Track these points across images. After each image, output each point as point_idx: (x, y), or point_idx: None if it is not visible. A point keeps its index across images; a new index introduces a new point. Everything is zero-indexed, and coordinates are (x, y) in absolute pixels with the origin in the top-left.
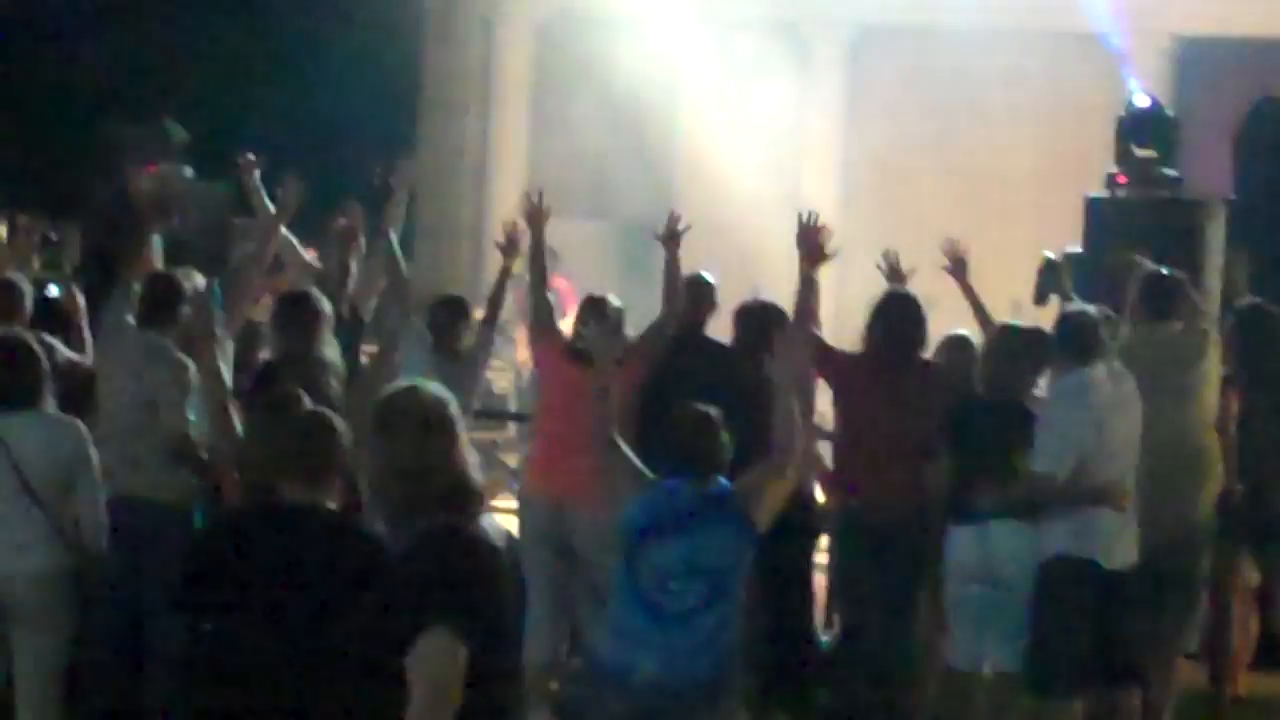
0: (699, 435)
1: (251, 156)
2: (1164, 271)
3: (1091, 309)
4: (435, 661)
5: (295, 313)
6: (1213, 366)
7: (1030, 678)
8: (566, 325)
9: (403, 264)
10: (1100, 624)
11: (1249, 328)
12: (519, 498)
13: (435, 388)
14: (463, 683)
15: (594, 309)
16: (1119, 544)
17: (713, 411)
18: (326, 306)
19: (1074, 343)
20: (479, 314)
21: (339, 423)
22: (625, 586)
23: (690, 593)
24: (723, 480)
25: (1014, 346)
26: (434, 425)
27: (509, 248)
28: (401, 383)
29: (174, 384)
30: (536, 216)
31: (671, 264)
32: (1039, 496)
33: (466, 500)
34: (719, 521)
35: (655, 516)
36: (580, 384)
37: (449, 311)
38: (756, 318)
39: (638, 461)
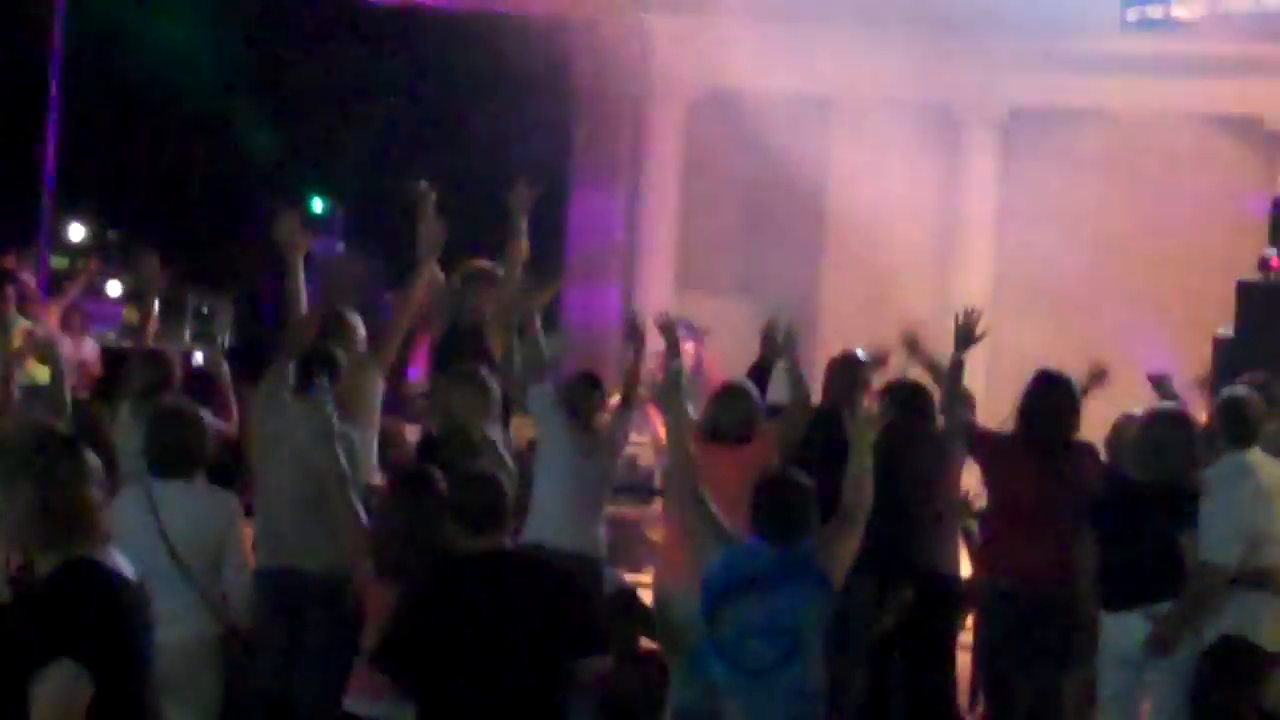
0: (783, 499)
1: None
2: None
3: (1250, 392)
4: (59, 693)
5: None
6: None
7: None
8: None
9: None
10: (1261, 707)
11: None
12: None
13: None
14: (86, 714)
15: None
16: (1269, 627)
17: (800, 476)
18: (494, 386)
19: (1234, 426)
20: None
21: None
22: (707, 641)
23: (770, 650)
24: (805, 541)
25: (1167, 429)
26: (57, 463)
27: (634, 336)
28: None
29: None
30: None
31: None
32: (1209, 586)
33: (90, 535)
34: (798, 582)
35: (736, 576)
36: (719, 464)
37: (584, 388)
38: (843, 374)
39: (722, 521)
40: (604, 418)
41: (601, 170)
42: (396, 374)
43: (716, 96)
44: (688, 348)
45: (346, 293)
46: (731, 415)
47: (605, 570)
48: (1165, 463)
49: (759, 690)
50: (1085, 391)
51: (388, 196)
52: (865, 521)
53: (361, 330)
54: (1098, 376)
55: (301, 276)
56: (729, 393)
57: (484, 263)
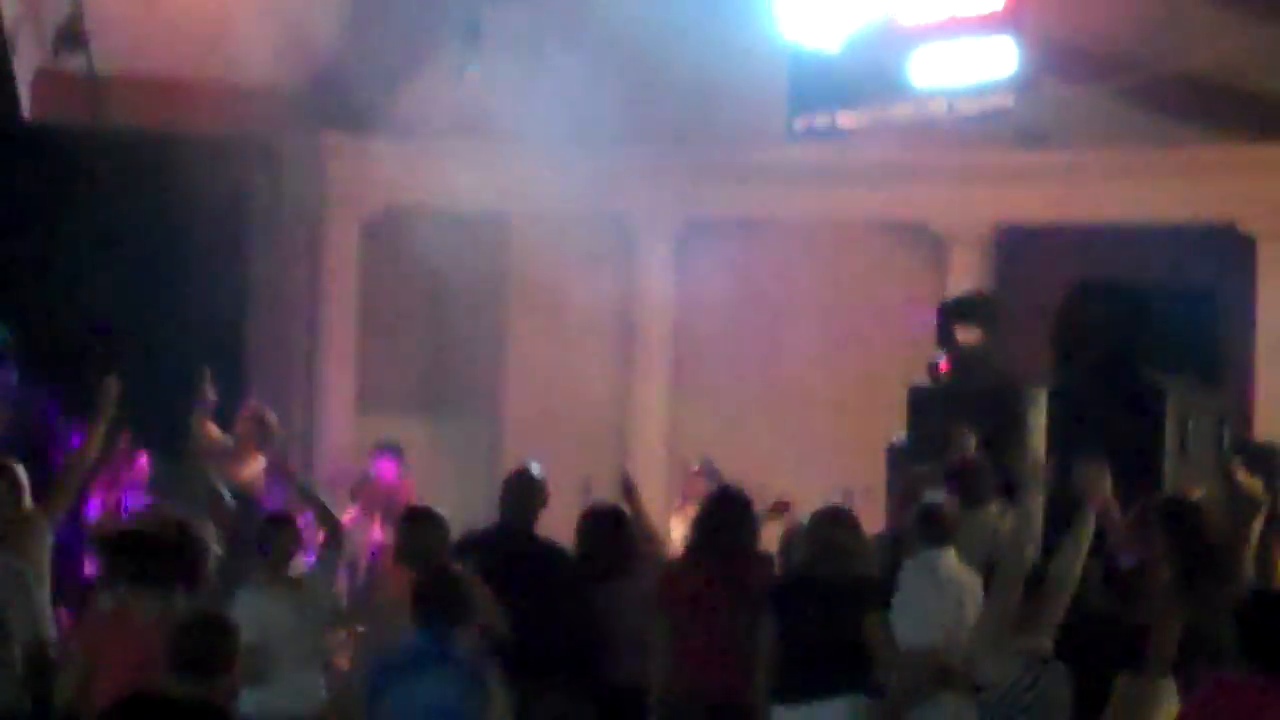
0: (437, 590)
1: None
2: (968, 459)
3: (947, 500)
4: None
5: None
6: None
7: None
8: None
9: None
10: None
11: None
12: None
13: None
14: None
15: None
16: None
17: (456, 570)
18: None
19: (929, 528)
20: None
21: None
22: None
23: None
24: (454, 631)
25: (832, 525)
26: None
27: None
28: None
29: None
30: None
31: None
32: (916, 671)
33: None
34: (447, 669)
35: (390, 665)
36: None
37: (273, 528)
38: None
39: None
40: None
41: (280, 290)
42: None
43: (393, 214)
44: (387, 466)
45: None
46: (419, 541)
47: None
48: (834, 556)
49: None
50: (764, 520)
51: (60, 323)
52: None
53: (24, 481)
54: (779, 507)
55: None
56: (416, 517)
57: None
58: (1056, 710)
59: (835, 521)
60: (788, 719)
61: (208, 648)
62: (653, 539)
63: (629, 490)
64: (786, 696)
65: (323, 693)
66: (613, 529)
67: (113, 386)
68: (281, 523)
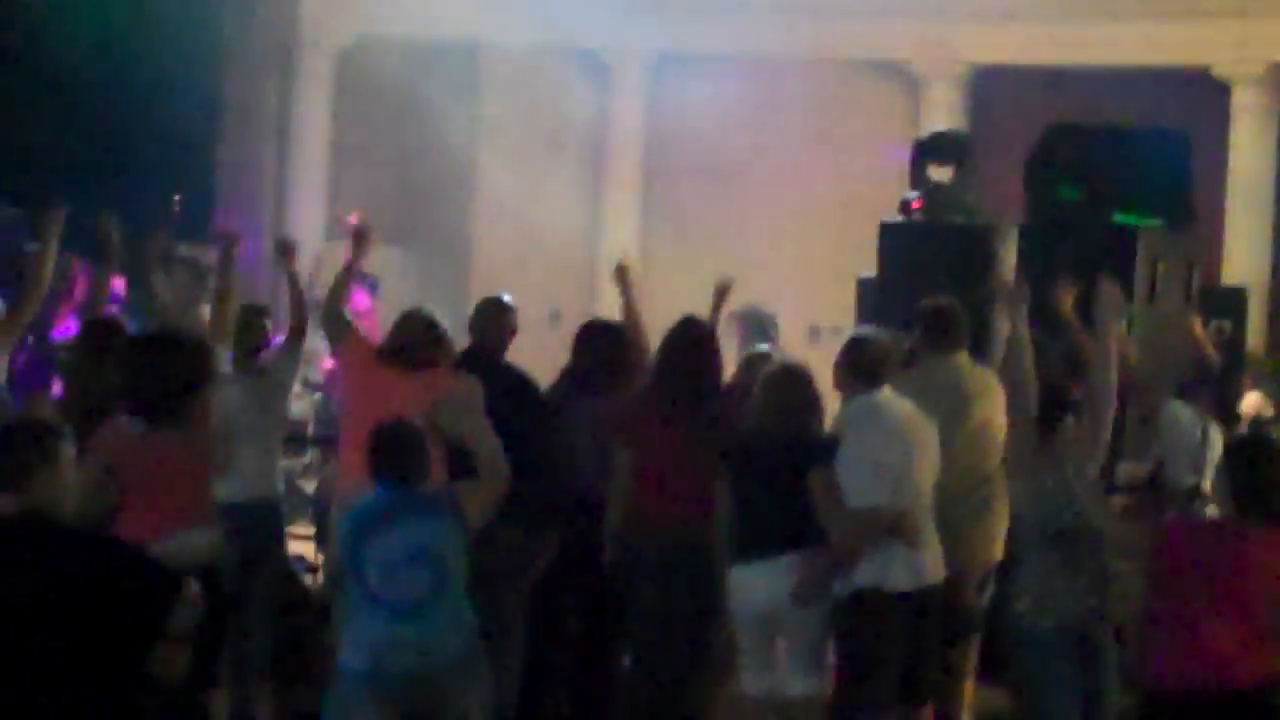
0: (399, 444)
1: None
2: (942, 304)
3: (881, 332)
4: None
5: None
6: (999, 399)
7: (837, 709)
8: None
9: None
10: (901, 650)
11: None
12: (338, 506)
13: None
14: None
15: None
16: (920, 561)
17: (413, 423)
18: None
19: (862, 367)
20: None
21: None
22: (356, 592)
23: (418, 579)
24: (425, 482)
25: (787, 383)
26: None
27: (288, 253)
28: None
29: None
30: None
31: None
32: (862, 528)
33: None
34: (432, 516)
35: (368, 515)
36: (394, 386)
37: (244, 319)
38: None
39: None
40: (268, 353)
41: (251, 119)
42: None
43: (365, 43)
44: (360, 298)
45: None
46: (410, 337)
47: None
48: (787, 417)
49: (417, 623)
50: (716, 308)
51: (29, 156)
52: None
53: None
54: (722, 290)
55: None
56: (409, 316)
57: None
58: (1095, 536)
59: (787, 382)
60: (742, 577)
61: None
62: (643, 346)
63: (623, 277)
64: (741, 555)
65: (277, 484)
66: (610, 344)
67: (56, 216)
68: (251, 313)
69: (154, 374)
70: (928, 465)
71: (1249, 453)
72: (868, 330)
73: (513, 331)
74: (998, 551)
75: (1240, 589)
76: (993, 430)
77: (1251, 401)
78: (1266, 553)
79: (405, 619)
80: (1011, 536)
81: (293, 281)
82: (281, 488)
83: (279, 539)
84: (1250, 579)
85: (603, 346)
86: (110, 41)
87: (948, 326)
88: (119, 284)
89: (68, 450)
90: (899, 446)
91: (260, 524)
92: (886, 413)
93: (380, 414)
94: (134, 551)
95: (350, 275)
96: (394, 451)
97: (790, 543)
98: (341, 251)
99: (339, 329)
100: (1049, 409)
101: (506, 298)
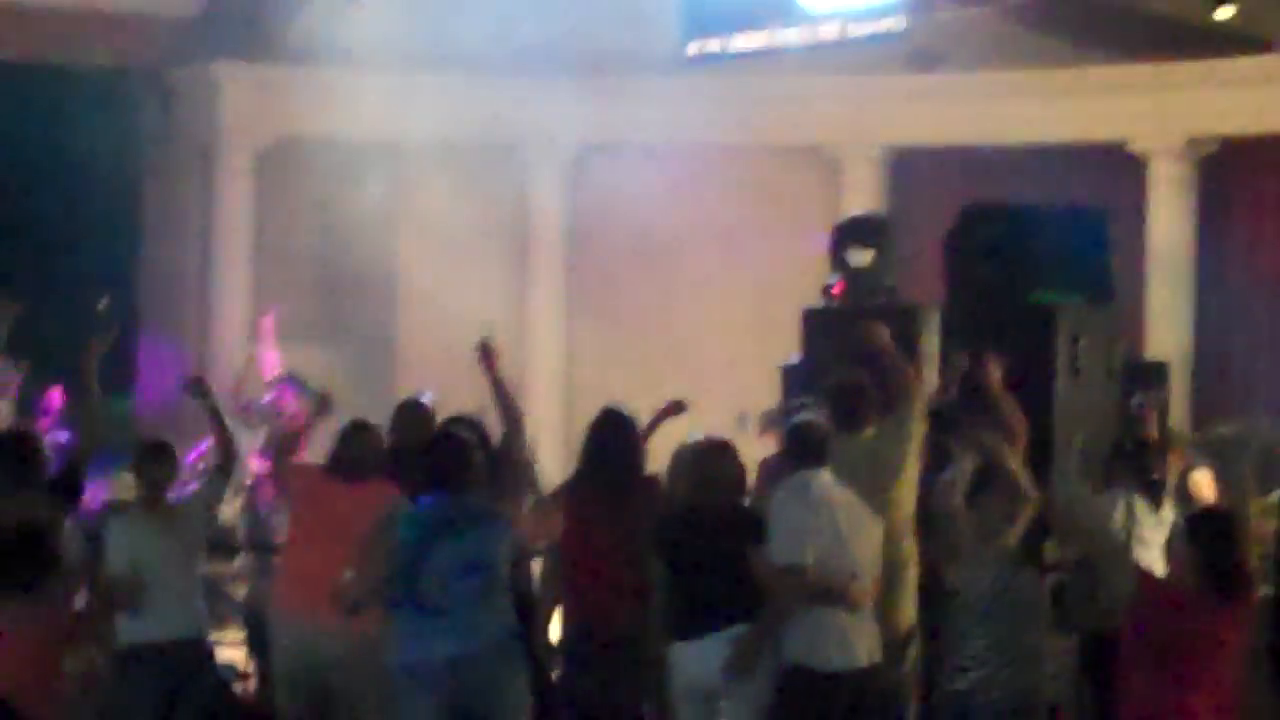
0: (450, 453)
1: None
2: (845, 381)
3: (818, 418)
4: None
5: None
6: (910, 472)
7: None
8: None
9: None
10: None
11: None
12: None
13: None
14: None
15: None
16: (854, 643)
17: (463, 431)
18: None
19: (801, 448)
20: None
21: None
22: (406, 599)
23: (469, 586)
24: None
25: (717, 457)
26: None
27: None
28: None
29: None
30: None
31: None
32: (788, 590)
33: None
34: (484, 524)
35: (425, 526)
36: (344, 498)
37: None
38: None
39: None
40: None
41: (173, 221)
42: None
43: (285, 144)
44: (288, 397)
45: None
46: (361, 451)
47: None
48: (718, 489)
49: (461, 617)
50: (657, 424)
51: None
52: None
53: None
54: (671, 409)
55: None
56: (353, 428)
57: None
58: (1029, 614)
59: (719, 453)
60: (680, 654)
61: None
62: (516, 423)
63: (488, 356)
64: (680, 632)
65: (200, 621)
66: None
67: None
68: (158, 451)
69: None
70: (865, 543)
71: (1211, 530)
72: (809, 414)
73: (432, 431)
74: (911, 617)
75: (1212, 664)
76: (901, 498)
77: (1204, 480)
78: (1233, 632)
79: (450, 615)
80: (946, 615)
81: (214, 416)
82: (203, 624)
83: (205, 673)
84: (1220, 656)
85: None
86: (28, 145)
87: (853, 405)
88: (55, 395)
89: None
90: (827, 516)
91: (182, 663)
92: (817, 486)
93: (332, 525)
94: None
95: (301, 437)
96: (451, 463)
97: (727, 618)
98: (263, 352)
99: (284, 472)
100: (978, 486)
101: (425, 397)
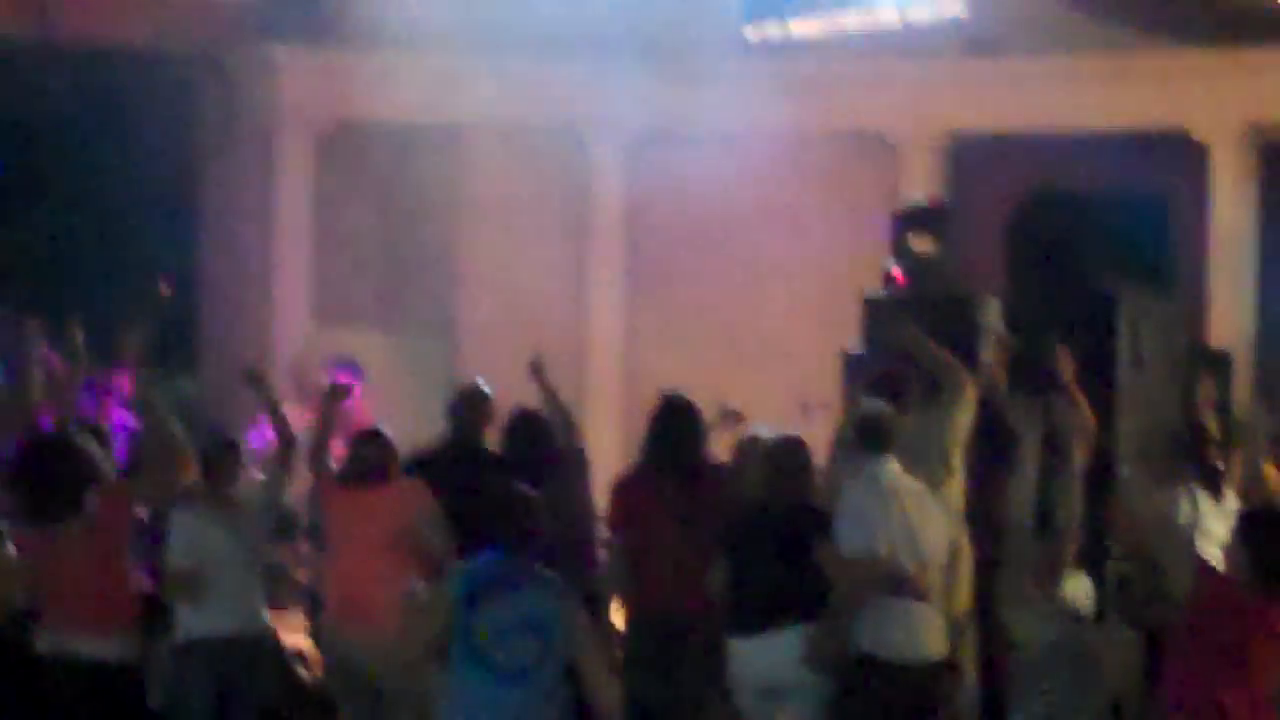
0: (513, 509)
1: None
2: (886, 372)
3: (881, 405)
4: None
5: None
6: (954, 462)
7: None
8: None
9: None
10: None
11: None
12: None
13: None
14: None
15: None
16: (923, 634)
17: (525, 488)
18: None
19: (869, 436)
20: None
21: None
22: (460, 650)
23: (527, 647)
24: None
25: (788, 454)
26: None
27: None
28: None
29: None
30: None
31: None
32: (857, 580)
33: None
34: (542, 585)
35: (482, 579)
36: (360, 506)
37: (218, 450)
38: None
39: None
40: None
41: (233, 205)
42: None
43: (346, 127)
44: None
45: None
46: (372, 458)
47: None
48: (788, 487)
49: (519, 688)
50: (714, 429)
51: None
52: None
53: None
54: (728, 418)
55: None
56: (366, 435)
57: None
58: (1092, 675)
59: (791, 451)
60: (744, 650)
61: None
62: (571, 428)
63: (539, 373)
64: (740, 628)
65: (261, 616)
66: (531, 434)
67: (76, 331)
68: (224, 445)
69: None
70: (933, 533)
71: (1262, 527)
72: (875, 403)
73: (490, 418)
74: (966, 600)
75: (1259, 660)
76: (946, 489)
77: (1274, 473)
78: None
79: (509, 683)
80: (1013, 660)
81: (272, 409)
82: (264, 619)
83: (262, 669)
84: (1266, 652)
85: (521, 438)
86: (88, 128)
87: (895, 393)
88: (123, 379)
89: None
90: (897, 505)
91: (240, 659)
92: (887, 476)
93: (366, 534)
94: None
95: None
96: (509, 518)
97: (792, 615)
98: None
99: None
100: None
101: (482, 384)
